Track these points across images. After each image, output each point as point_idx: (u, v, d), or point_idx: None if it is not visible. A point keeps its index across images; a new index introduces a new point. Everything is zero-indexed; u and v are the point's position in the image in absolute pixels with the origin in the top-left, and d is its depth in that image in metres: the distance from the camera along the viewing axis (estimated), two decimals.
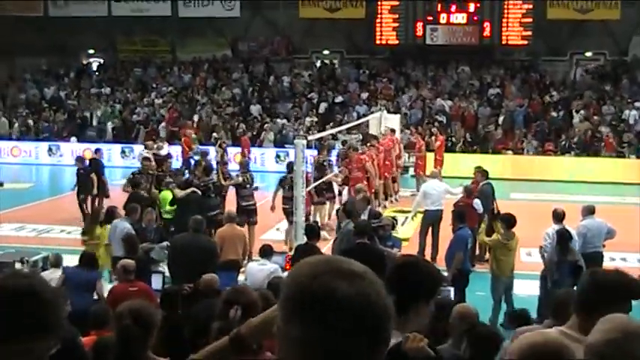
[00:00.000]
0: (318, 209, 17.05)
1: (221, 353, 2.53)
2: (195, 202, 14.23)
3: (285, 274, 10.58)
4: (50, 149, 29.08)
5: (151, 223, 12.10)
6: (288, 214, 14.90)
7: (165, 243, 11.74)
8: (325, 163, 17.73)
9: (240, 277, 11.18)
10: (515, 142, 27.92)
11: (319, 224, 16.70)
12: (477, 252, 14.33)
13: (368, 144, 19.32)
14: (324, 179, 16.50)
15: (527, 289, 12.03)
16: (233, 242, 11.58)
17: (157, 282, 10.12)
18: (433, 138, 23.65)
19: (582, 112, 28.92)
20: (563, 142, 27.48)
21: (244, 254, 12.03)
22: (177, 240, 10.88)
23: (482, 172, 15.41)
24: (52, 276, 10.04)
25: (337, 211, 14.30)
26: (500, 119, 29.19)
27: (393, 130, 21.79)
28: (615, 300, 3.13)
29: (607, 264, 12.53)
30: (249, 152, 25.38)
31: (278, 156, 27.20)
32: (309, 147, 15.41)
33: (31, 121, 31.29)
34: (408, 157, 24.50)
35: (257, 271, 10.61)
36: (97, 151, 20.13)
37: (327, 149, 18.58)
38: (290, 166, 15.09)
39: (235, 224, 12.05)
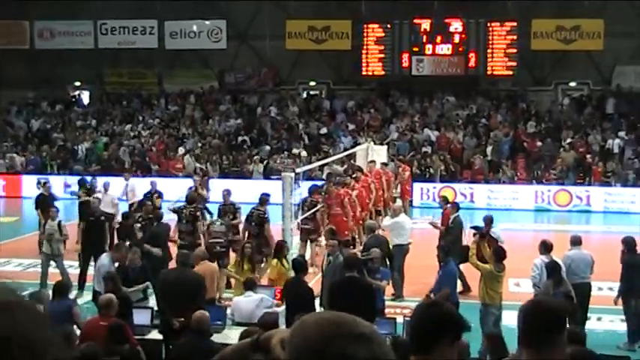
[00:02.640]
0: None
1: (241, 353, 2.56)
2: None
3: (274, 302, 10.57)
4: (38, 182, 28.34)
5: (133, 262, 11.93)
6: (310, 232, 15.46)
7: (145, 284, 11.65)
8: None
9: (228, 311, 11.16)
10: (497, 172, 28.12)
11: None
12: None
13: (351, 176, 19.31)
14: (307, 214, 16.45)
15: (515, 320, 12.02)
16: (212, 279, 11.55)
17: (145, 317, 10.11)
18: (400, 169, 23.55)
19: (568, 141, 29.17)
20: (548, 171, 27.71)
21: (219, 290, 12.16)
22: (165, 274, 10.86)
23: (453, 205, 15.76)
24: None
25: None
26: (489, 149, 29.38)
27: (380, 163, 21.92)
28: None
29: (595, 293, 12.61)
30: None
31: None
32: (296, 180, 15.45)
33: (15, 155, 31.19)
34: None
35: (245, 303, 10.61)
36: (45, 183, 19.64)
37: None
38: (310, 190, 16.52)
39: (207, 261, 11.89)
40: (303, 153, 29.33)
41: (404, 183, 23.12)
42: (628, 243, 12.39)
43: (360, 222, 17.68)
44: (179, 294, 9.88)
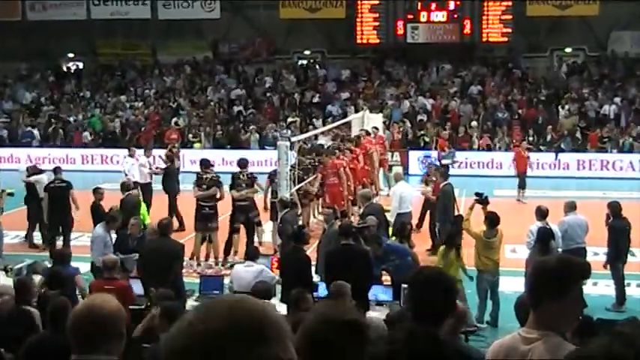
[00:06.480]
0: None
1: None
2: None
3: (275, 278, 10.52)
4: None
5: (134, 231, 12.01)
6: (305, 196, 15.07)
7: None
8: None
9: (226, 281, 11.19)
10: (496, 139, 28.04)
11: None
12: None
13: (343, 147, 19.03)
14: (302, 184, 16.22)
15: (512, 286, 12.07)
16: None
17: (137, 287, 10.14)
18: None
19: (567, 107, 29.09)
20: (544, 138, 27.65)
21: None
22: (145, 244, 10.96)
23: (441, 173, 15.64)
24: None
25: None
26: (482, 116, 29.27)
27: (370, 131, 21.69)
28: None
29: (590, 259, 12.65)
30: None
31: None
32: (292, 148, 15.37)
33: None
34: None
35: (244, 272, 10.59)
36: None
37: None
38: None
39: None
40: (294, 120, 29.25)
41: (382, 152, 22.84)
42: (613, 208, 12.45)
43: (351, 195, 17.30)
44: (158, 263, 10.04)
